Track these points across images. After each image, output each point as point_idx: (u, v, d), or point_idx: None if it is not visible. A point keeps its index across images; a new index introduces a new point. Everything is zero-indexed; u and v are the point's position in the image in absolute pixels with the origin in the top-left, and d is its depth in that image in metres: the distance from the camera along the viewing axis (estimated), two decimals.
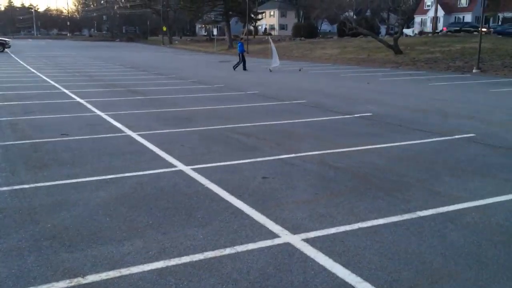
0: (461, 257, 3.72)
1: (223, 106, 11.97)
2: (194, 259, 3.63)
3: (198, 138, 8.03)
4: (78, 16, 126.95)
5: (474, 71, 23.93)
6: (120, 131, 8.61)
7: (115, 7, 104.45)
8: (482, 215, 4.61)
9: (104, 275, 3.37)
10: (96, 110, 11.01)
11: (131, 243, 3.91)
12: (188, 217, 4.49)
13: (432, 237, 4.09)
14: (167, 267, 3.51)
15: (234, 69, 25.29)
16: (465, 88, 16.85)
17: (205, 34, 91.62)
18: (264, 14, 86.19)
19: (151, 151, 7.10)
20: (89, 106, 11.76)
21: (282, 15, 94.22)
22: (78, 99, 13.00)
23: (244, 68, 25.24)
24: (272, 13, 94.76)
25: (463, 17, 72.38)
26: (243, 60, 25.44)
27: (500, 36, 40.76)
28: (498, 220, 4.47)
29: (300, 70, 25.48)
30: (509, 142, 7.83)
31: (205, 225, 4.30)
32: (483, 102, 13.04)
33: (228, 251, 3.78)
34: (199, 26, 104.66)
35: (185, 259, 3.63)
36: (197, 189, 5.33)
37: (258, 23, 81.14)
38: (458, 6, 73.26)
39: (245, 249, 3.81)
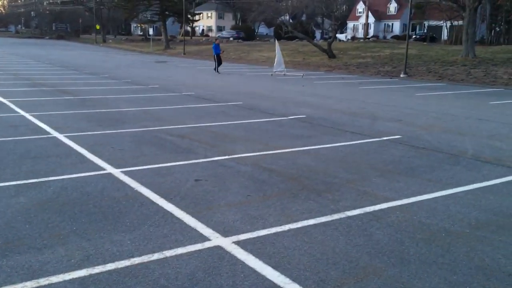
0: (385, 255, 3.85)
1: (157, 107, 11.72)
2: (120, 266, 3.49)
3: (129, 140, 7.79)
4: (3, 11, 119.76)
5: (401, 75, 25.11)
6: (46, 132, 8.18)
7: (45, 3, 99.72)
8: (405, 213, 4.81)
9: (20, 286, 3.16)
10: (20, 111, 10.40)
11: (52, 251, 3.69)
12: (115, 222, 4.33)
13: (359, 236, 4.21)
14: (90, 275, 3.34)
15: (217, 71, 24.66)
16: (393, 92, 17.63)
17: (141, 33, 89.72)
18: (201, 15, 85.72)
19: (79, 153, 6.79)
20: (12, 106, 11.09)
21: (220, 17, 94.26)
22: (1, 99, 12.22)
23: (216, 70, 24.71)
24: (209, 15, 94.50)
25: (392, 24, 76.01)
26: (218, 62, 24.88)
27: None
28: (420, 218, 4.68)
29: (302, 76, 24.22)
30: (432, 144, 8.26)
31: (133, 230, 4.16)
32: (409, 105, 13.69)
33: (156, 256, 3.67)
34: (135, 25, 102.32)
35: (110, 266, 3.48)
36: (127, 192, 5.16)
37: (195, 24, 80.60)
38: (388, 14, 76.85)
39: (174, 253, 3.72)
